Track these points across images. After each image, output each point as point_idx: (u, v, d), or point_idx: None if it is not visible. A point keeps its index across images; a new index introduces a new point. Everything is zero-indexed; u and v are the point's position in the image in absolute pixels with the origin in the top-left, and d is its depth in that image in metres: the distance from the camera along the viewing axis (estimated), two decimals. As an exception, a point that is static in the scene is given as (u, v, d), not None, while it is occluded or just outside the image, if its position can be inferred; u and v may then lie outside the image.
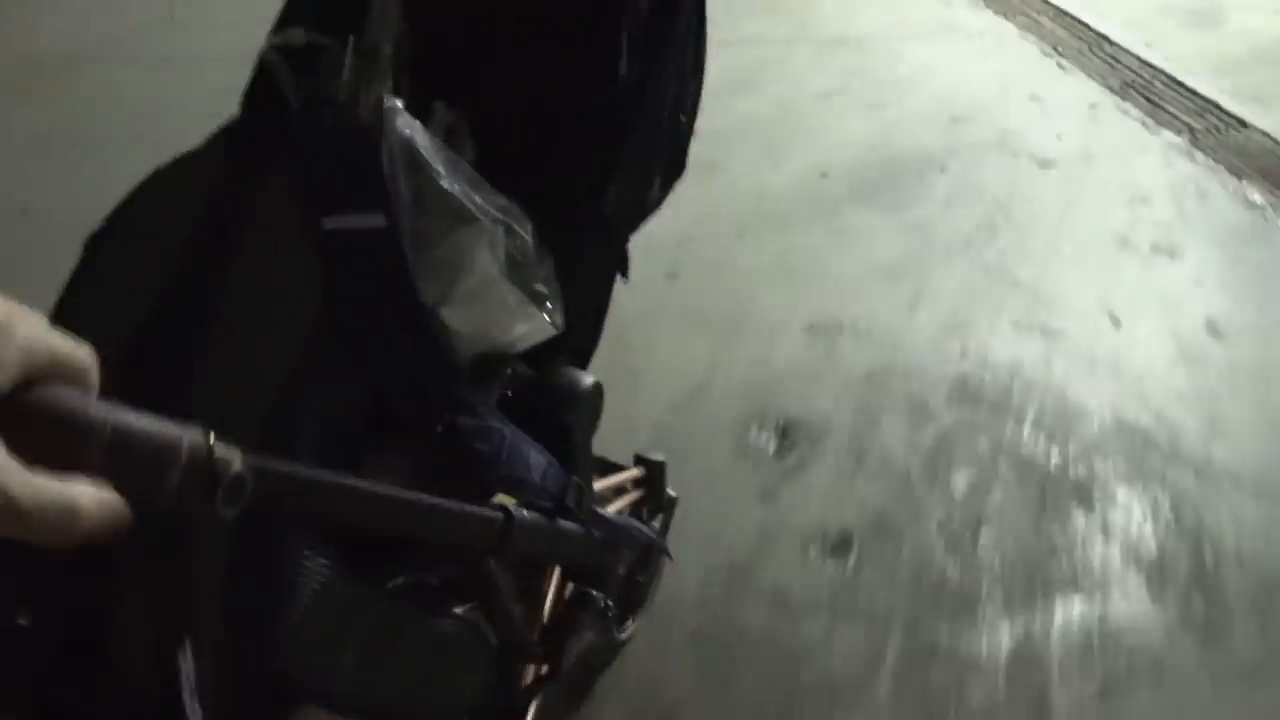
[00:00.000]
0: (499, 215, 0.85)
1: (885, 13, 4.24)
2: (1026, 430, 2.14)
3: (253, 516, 0.48)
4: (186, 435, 0.43)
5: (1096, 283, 2.65)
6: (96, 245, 0.83)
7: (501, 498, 0.86)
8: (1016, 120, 3.50)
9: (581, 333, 1.06)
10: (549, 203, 0.91)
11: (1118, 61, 4.11)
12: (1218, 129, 3.64)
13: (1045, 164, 3.23)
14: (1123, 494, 2.02)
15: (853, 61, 3.77)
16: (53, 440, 0.38)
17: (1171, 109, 3.75)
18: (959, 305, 2.51)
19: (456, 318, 0.82)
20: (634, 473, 1.51)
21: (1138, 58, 4.15)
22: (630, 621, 1.55)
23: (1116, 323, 2.51)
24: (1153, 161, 3.34)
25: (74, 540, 0.38)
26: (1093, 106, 3.68)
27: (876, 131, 3.30)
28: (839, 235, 2.75)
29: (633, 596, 1.45)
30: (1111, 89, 3.85)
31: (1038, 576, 1.83)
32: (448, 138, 0.87)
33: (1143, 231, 2.91)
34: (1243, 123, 3.69)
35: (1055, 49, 4.16)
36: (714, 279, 2.49)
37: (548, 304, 0.89)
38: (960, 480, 2.01)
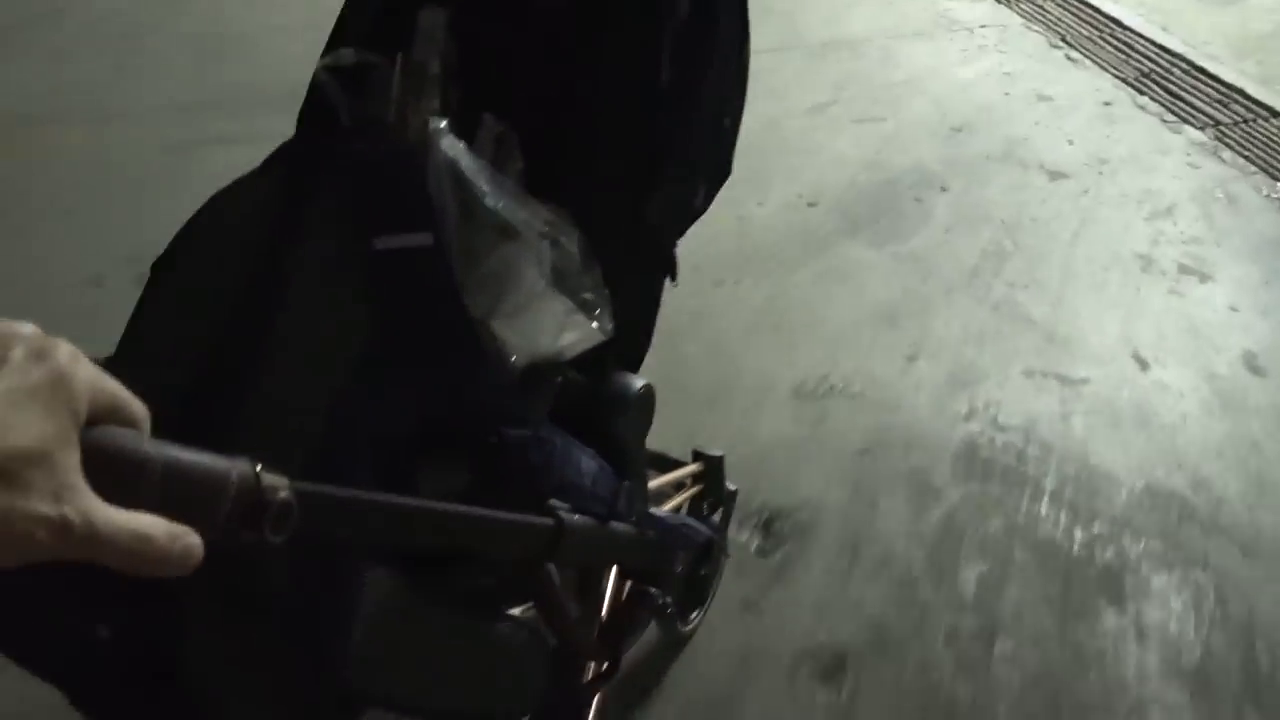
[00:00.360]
0: (544, 228, 0.87)
1: (880, 9, 3.96)
2: (1045, 506, 1.89)
3: (309, 538, 0.51)
4: (235, 467, 0.45)
5: (1119, 316, 2.39)
6: (160, 271, 0.86)
7: (554, 503, 0.86)
8: (1023, 125, 3.22)
9: (631, 338, 1.05)
10: (595, 211, 0.93)
11: (1132, 49, 3.81)
12: (1245, 120, 3.34)
13: (1056, 175, 2.96)
14: (1159, 582, 1.77)
15: (846, 68, 3.50)
16: (110, 477, 0.40)
17: (1193, 100, 3.45)
18: (964, 354, 2.25)
19: (505, 329, 0.83)
20: (692, 468, 1.51)
21: (1153, 43, 3.85)
22: (695, 615, 1.59)
23: (1143, 364, 2.24)
24: (1175, 164, 3.05)
25: (151, 570, 0.41)
26: (1107, 104, 3.39)
27: (871, 149, 3.03)
28: (829, 276, 2.49)
29: (695, 591, 1.52)
30: (1126, 81, 3.56)
31: (1064, 698, 1.58)
32: (496, 149, 0.89)
33: (1168, 250, 2.63)
34: (1273, 111, 3.39)
35: (1063, 39, 3.87)
36: (689, 338, 2.24)
37: (596, 311, 0.90)
38: (970, 575, 1.76)
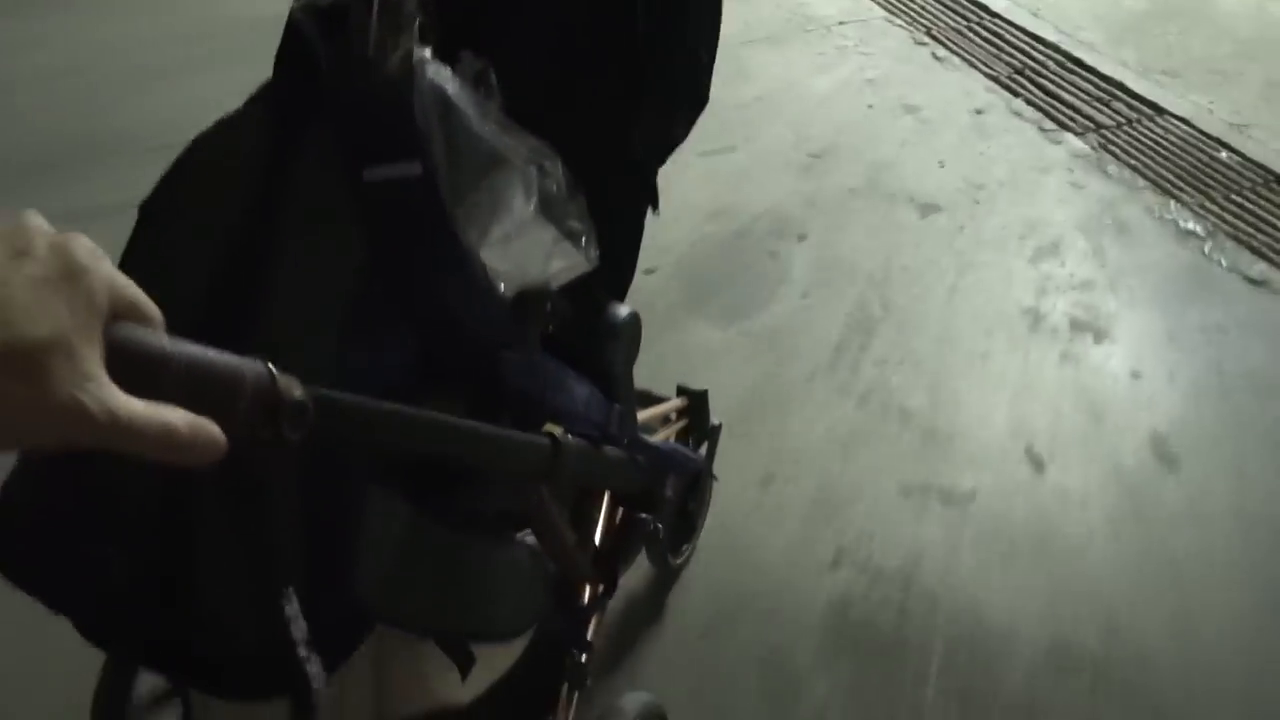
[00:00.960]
0: (530, 155, 0.87)
1: (729, 8, 3.53)
2: (931, 693, 1.50)
3: (322, 455, 0.59)
4: (251, 366, 0.47)
5: (1007, 397, 2.02)
6: (148, 212, 0.85)
7: (549, 428, 0.87)
8: (889, 146, 2.83)
9: (616, 268, 1.05)
10: (576, 145, 0.92)
11: (1002, 41, 3.46)
12: (1128, 122, 3.02)
13: (928, 209, 2.58)
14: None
15: (688, 86, 3.05)
16: (133, 371, 0.41)
17: (1072, 100, 3.12)
18: (829, 468, 1.85)
19: (495, 257, 0.83)
20: (677, 403, 1.50)
21: (1025, 32, 3.51)
22: (685, 549, 1.65)
23: (1039, 464, 1.87)
24: (1058, 184, 2.71)
25: (175, 458, 0.42)
26: (979, 112, 3.03)
27: (719, 192, 2.61)
28: (667, 366, 2.05)
29: (684, 524, 1.60)
30: (999, 81, 3.20)
31: None
32: (475, 85, 0.88)
33: (1058, 301, 2.28)
34: (1156, 108, 3.08)
35: (929, 33, 3.50)
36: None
37: (583, 240, 0.91)
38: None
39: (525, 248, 0.86)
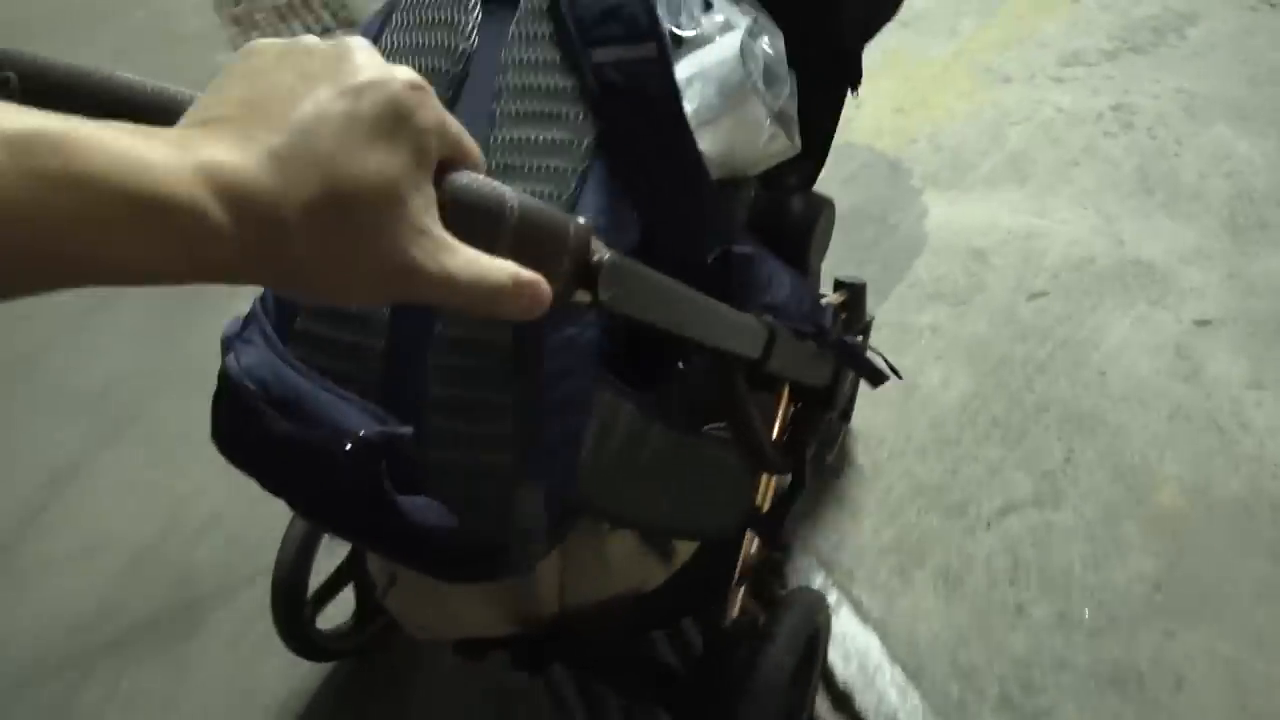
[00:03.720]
0: (755, 27, 0.85)
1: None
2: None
3: (559, 345, 0.68)
4: (571, 220, 0.45)
5: None
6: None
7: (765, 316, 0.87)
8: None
9: (810, 153, 0.98)
10: (792, 18, 0.90)
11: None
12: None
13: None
14: None
15: None
16: (470, 223, 0.40)
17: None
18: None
19: (706, 139, 0.80)
20: (835, 297, 1.45)
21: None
22: (829, 455, 1.60)
23: None
24: None
25: (499, 314, 0.41)
26: None
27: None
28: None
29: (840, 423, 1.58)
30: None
31: None
32: None
33: None
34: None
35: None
36: None
37: (789, 123, 0.87)
38: None
39: (743, 127, 0.84)
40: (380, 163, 0.36)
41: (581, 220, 0.46)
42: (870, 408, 1.65)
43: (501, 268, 0.40)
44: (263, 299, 0.80)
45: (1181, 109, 2.24)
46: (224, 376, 0.76)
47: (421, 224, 0.37)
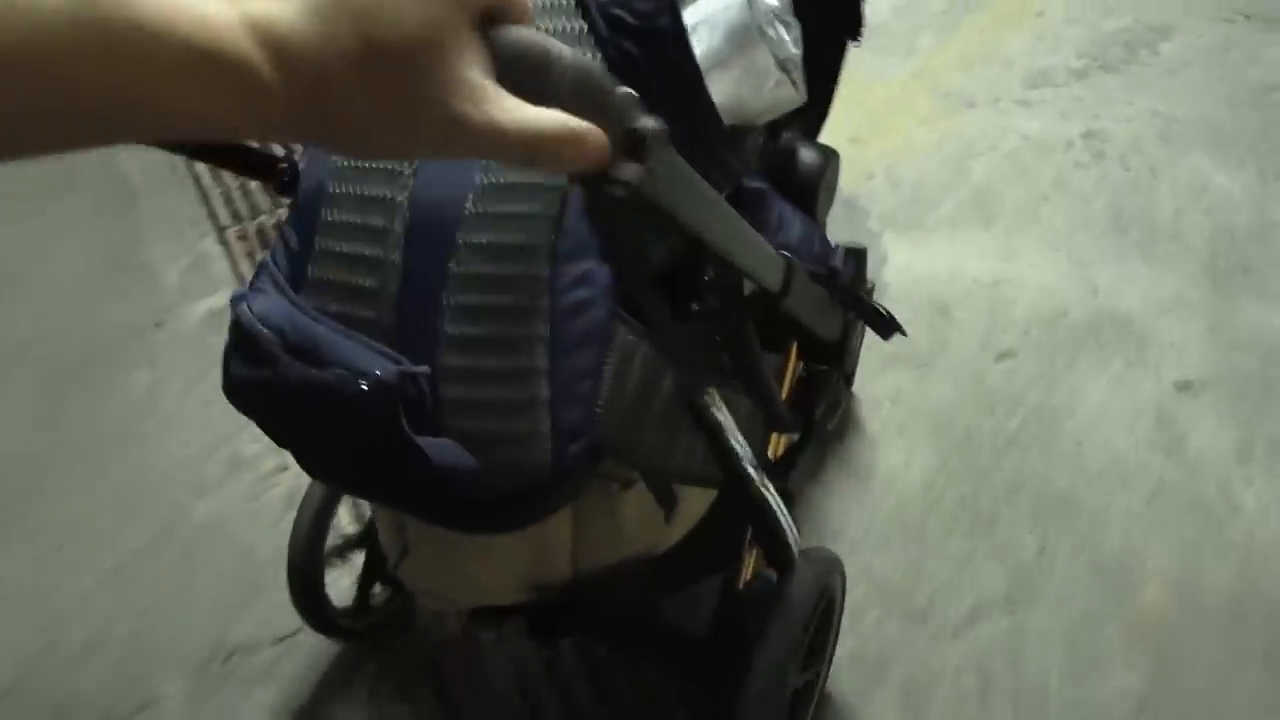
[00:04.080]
0: None
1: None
2: None
3: (575, 280, 0.70)
4: (619, 85, 0.44)
5: None
6: None
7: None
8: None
9: (815, 104, 0.98)
10: None
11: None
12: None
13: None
14: None
15: None
16: (520, 75, 0.39)
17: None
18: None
19: (715, 85, 0.78)
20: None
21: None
22: (832, 421, 1.56)
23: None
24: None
25: (551, 165, 0.40)
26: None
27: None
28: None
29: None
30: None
31: None
32: None
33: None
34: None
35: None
36: None
37: (794, 73, 0.86)
38: None
39: (744, 74, 0.83)
40: (420, 13, 0.36)
41: (627, 87, 0.44)
42: (825, 496, 1.50)
43: (554, 116, 0.40)
44: (273, 253, 0.80)
45: (1156, 135, 2.09)
46: (236, 326, 0.75)
47: (465, 74, 0.37)
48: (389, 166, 0.74)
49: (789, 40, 0.86)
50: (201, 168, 2.35)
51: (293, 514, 1.31)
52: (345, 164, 0.77)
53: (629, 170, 0.44)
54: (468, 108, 0.37)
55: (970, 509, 1.49)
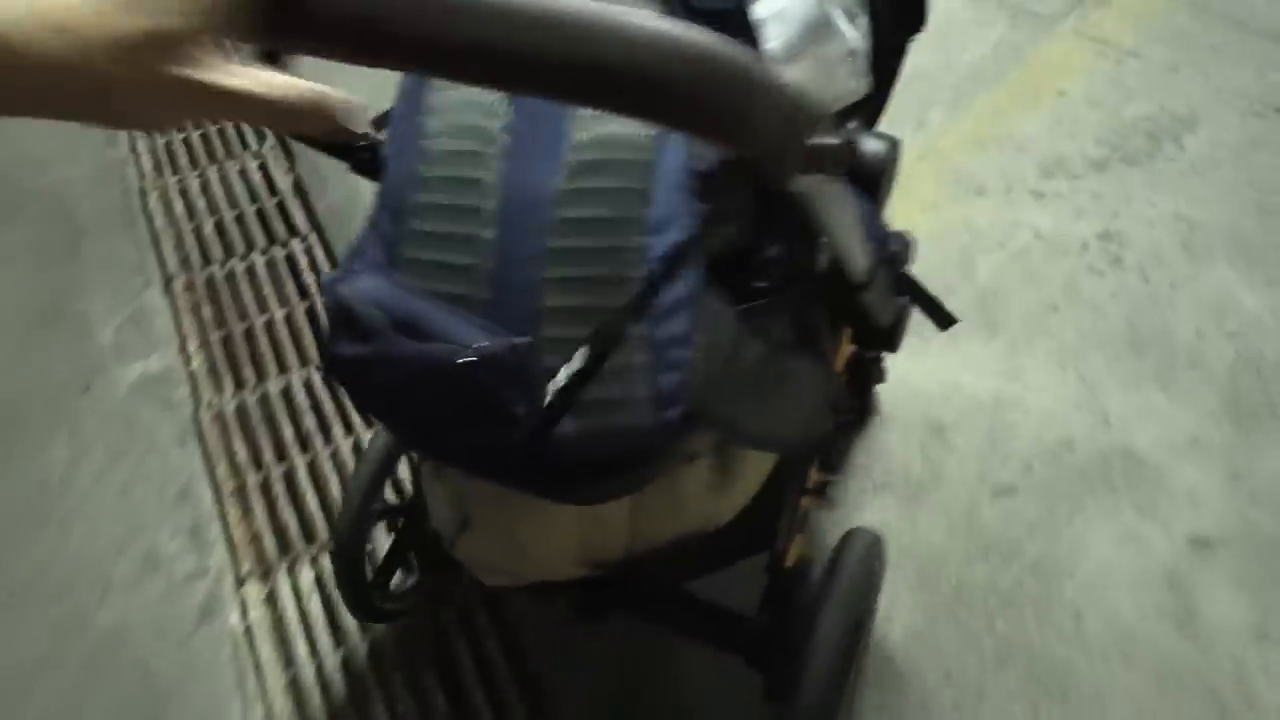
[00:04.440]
0: None
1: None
2: None
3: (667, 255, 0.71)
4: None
5: None
6: None
7: None
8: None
9: (877, 94, 0.96)
10: None
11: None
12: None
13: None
14: None
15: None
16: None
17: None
18: None
19: (789, 78, 0.73)
20: None
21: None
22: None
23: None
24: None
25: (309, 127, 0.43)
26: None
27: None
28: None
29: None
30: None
31: None
32: None
33: None
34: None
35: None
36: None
37: (860, 64, 0.86)
38: None
39: (817, 65, 0.83)
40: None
41: None
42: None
43: (280, 80, 0.41)
44: (362, 238, 0.81)
45: (1179, 242, 1.94)
46: (337, 307, 0.77)
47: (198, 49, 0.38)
48: (476, 149, 0.77)
49: (859, 33, 0.86)
50: (155, 206, 2.19)
51: (205, 628, 1.28)
52: (434, 146, 0.79)
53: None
54: (209, 77, 0.38)
55: (955, 682, 1.34)
